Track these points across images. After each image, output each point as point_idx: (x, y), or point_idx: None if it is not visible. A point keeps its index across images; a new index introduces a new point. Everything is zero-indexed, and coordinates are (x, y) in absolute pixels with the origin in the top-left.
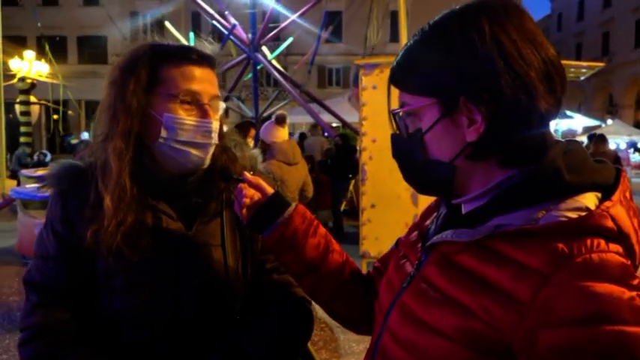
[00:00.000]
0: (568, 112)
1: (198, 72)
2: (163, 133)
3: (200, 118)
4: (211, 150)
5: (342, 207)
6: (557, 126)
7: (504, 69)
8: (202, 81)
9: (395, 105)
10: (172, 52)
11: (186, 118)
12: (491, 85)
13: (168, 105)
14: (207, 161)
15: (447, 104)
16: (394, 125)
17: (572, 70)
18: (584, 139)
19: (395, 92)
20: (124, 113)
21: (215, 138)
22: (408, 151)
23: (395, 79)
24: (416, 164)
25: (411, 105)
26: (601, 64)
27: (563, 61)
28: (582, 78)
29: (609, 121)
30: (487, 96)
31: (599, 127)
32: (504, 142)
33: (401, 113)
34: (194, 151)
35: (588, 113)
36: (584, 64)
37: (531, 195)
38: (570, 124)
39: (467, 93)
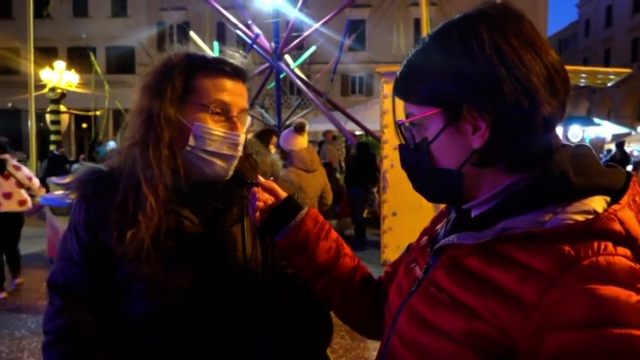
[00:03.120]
0: (596, 120)
1: (230, 84)
2: (191, 142)
3: (228, 130)
4: (235, 162)
5: (365, 215)
6: (585, 133)
7: (505, 75)
8: (233, 94)
9: (400, 116)
10: (207, 63)
11: (216, 128)
12: (493, 91)
13: (199, 114)
14: (231, 172)
15: (451, 112)
16: (400, 136)
17: (600, 76)
18: (612, 146)
19: (400, 103)
20: (165, 121)
21: (240, 151)
22: (415, 161)
23: (398, 90)
24: (424, 174)
25: (416, 115)
26: (628, 71)
27: (591, 68)
28: (609, 84)
29: (639, 129)
30: (490, 102)
31: (628, 134)
32: (510, 147)
33: (407, 124)
34: (219, 162)
35: (617, 120)
36: (612, 70)
37: (538, 198)
38: (599, 131)
39: (469, 100)
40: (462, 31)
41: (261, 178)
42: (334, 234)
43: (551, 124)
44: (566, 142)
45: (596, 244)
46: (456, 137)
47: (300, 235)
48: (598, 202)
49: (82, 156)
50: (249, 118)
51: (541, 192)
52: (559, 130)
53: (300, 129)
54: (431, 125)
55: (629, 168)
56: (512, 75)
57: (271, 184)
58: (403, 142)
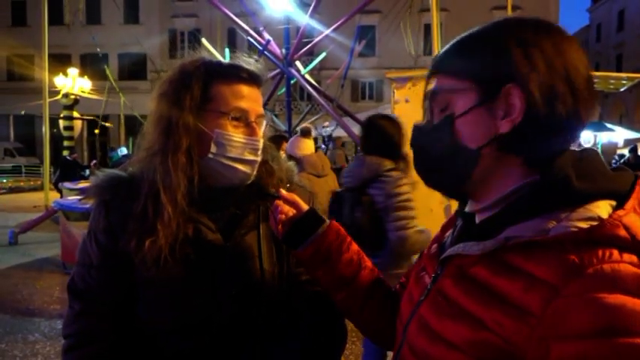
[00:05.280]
0: (608, 125)
1: (247, 90)
2: (213, 149)
3: (248, 136)
4: (256, 167)
5: None
6: (597, 138)
7: (560, 70)
8: (250, 100)
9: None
10: (224, 70)
11: (236, 135)
12: (546, 80)
13: (219, 121)
14: (252, 177)
15: (489, 91)
16: (428, 110)
17: (612, 81)
18: (624, 151)
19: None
20: (184, 129)
21: (260, 155)
22: (432, 138)
23: (438, 64)
24: (440, 150)
25: (449, 87)
26: None
27: (603, 73)
28: (622, 89)
29: None
30: (533, 90)
31: None
32: (536, 138)
33: (437, 90)
34: (241, 167)
35: (630, 125)
36: (624, 75)
37: (541, 204)
38: (611, 136)
39: (518, 82)
40: (514, 31)
41: (283, 191)
42: (355, 246)
43: (576, 131)
44: (572, 147)
45: (601, 252)
46: (485, 118)
47: (322, 247)
48: (603, 208)
49: (94, 162)
50: (264, 122)
51: (544, 198)
52: None
53: (306, 133)
54: (460, 100)
55: None
56: (564, 71)
57: (293, 196)
58: (428, 116)
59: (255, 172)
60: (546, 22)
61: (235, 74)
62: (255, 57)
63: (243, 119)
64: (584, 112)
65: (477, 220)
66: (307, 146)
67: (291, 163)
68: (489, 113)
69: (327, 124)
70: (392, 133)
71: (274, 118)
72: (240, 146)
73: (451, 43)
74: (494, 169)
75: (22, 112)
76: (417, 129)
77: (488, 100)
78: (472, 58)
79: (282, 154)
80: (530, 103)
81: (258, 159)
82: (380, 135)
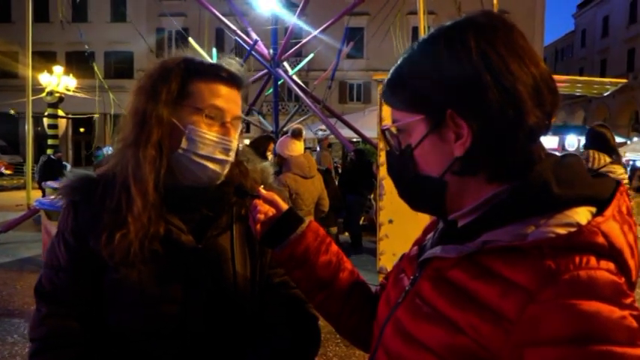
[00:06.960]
0: None
1: (225, 90)
2: (184, 144)
3: (221, 135)
4: (227, 167)
5: (361, 222)
6: (581, 142)
7: (491, 82)
8: (228, 100)
9: (388, 122)
10: (204, 69)
11: (209, 132)
12: (478, 99)
13: (193, 118)
14: (222, 177)
15: (434, 119)
16: (385, 142)
17: (596, 86)
18: None
19: (387, 110)
20: (156, 122)
21: (232, 156)
22: (400, 168)
23: (385, 97)
24: (407, 180)
25: (401, 121)
26: (624, 81)
27: (587, 78)
28: (605, 94)
29: (635, 139)
30: (474, 110)
31: (624, 144)
32: (491, 156)
33: (394, 130)
34: (211, 166)
35: (613, 130)
36: (607, 80)
37: (520, 210)
38: None
39: (453, 107)
40: (449, 38)
41: (262, 190)
42: (335, 247)
43: (535, 135)
44: (551, 152)
45: (577, 259)
46: (439, 144)
47: (300, 248)
48: (582, 214)
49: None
50: (241, 125)
51: (523, 203)
52: (555, 140)
53: (297, 134)
54: (415, 132)
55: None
56: (499, 83)
57: (273, 195)
58: (389, 148)
59: (225, 172)
60: (478, 26)
61: (215, 73)
62: (239, 60)
63: (218, 118)
64: (532, 119)
65: (459, 224)
66: (296, 147)
67: (267, 164)
68: (441, 139)
69: (323, 127)
70: None
71: (262, 119)
72: (212, 144)
73: (391, 70)
74: (465, 188)
75: (12, 112)
76: (388, 155)
77: (437, 126)
78: (411, 91)
79: (270, 155)
80: (471, 124)
81: (230, 159)
82: None
